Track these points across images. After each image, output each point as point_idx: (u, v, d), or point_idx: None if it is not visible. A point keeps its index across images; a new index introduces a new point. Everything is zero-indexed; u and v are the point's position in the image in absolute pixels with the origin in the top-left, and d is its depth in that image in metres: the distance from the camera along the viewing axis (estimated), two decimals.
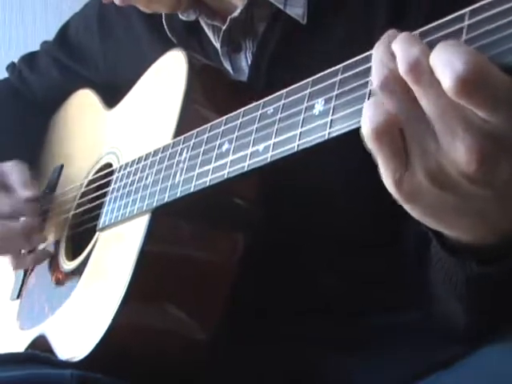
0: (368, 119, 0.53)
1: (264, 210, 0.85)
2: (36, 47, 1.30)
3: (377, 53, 0.54)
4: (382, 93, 0.53)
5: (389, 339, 0.86)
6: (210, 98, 0.89)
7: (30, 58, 1.30)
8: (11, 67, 1.32)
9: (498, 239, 0.59)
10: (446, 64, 0.49)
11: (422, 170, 0.53)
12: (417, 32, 0.54)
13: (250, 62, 0.90)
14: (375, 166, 0.56)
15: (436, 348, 0.82)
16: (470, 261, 0.63)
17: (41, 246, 1.11)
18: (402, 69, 0.52)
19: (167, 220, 0.86)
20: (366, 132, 0.53)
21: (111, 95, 1.10)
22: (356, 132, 0.57)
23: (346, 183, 0.83)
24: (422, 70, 0.51)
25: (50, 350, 0.93)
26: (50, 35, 1.26)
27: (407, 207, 0.56)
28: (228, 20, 0.89)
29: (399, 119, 0.53)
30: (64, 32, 1.23)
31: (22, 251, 1.10)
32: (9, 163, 1.11)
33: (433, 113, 0.51)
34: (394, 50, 0.53)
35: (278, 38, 0.87)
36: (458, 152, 0.51)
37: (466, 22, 0.51)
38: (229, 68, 0.93)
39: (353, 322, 0.87)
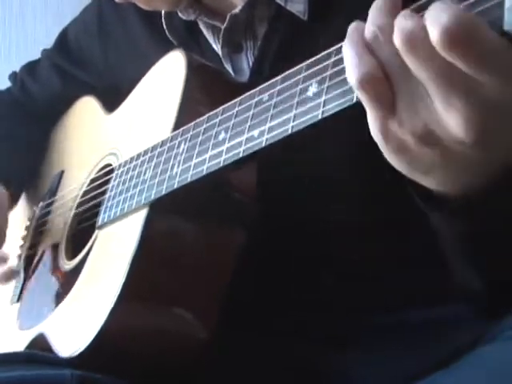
0: (353, 68, 0.54)
1: (262, 205, 0.85)
2: (36, 48, 1.30)
3: (372, 15, 0.55)
4: (372, 43, 0.54)
5: (390, 337, 0.85)
6: (208, 97, 0.90)
7: (31, 67, 1.29)
8: (13, 77, 1.32)
9: (489, 181, 0.59)
10: (434, 19, 0.49)
11: (408, 126, 0.54)
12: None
13: (251, 63, 0.90)
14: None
15: (436, 347, 0.82)
16: (454, 212, 0.62)
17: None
18: (397, 40, 0.52)
19: (165, 216, 0.86)
20: (352, 81, 0.54)
21: (112, 98, 1.11)
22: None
23: (348, 174, 0.83)
24: (417, 40, 0.51)
25: (49, 349, 0.92)
26: (50, 36, 1.26)
27: (393, 159, 0.57)
28: (228, 17, 0.88)
29: (387, 71, 0.53)
30: (63, 37, 1.23)
31: None
32: None
33: (427, 76, 0.52)
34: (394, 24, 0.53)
35: (280, 39, 0.87)
36: (453, 120, 0.51)
37: None
38: (229, 69, 0.92)
39: (354, 320, 0.86)
